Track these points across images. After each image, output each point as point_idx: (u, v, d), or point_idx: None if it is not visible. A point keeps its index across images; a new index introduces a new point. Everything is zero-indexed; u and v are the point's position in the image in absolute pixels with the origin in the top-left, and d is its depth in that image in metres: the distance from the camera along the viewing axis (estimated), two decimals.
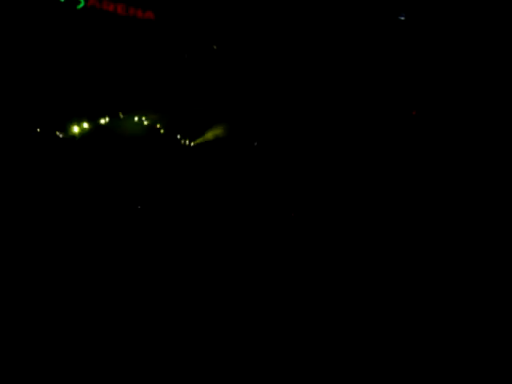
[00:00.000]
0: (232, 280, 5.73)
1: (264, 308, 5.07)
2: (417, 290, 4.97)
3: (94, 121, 8.75)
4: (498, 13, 8.56)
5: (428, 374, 4.07)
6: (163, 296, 5.18)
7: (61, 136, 7.77)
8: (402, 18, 9.11)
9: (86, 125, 8.14)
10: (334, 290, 5.42)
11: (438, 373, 4.06)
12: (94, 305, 4.98)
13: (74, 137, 7.81)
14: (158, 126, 9.85)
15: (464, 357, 4.13)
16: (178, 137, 8.83)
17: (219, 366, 4.36)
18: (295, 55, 9.76)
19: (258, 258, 6.32)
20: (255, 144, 8.73)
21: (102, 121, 9.62)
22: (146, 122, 9.11)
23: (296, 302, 5.24)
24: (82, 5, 7.49)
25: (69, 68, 7.87)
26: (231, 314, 4.99)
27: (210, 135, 8.59)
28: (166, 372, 4.32)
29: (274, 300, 5.25)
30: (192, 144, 8.73)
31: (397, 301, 4.85)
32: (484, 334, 4.26)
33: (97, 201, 6.85)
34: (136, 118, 10.00)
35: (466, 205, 9.34)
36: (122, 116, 9.26)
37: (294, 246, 7.06)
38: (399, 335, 4.45)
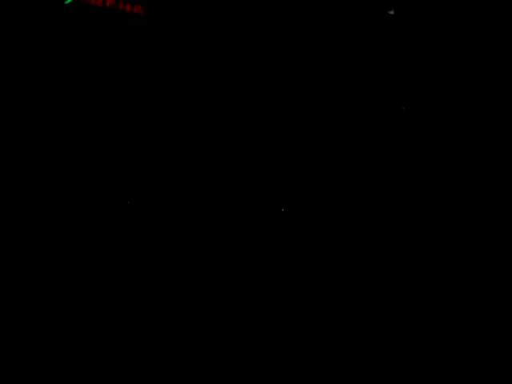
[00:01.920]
0: (228, 279, 5.74)
1: (261, 308, 5.08)
2: (415, 290, 5.01)
3: (86, 119, 8.64)
4: (488, 8, 8.62)
5: (428, 374, 4.12)
6: (160, 296, 5.18)
7: (53, 134, 7.70)
8: (392, 13, 9.13)
9: (79, 123, 8.04)
10: (331, 290, 5.45)
11: (438, 373, 4.11)
12: (91, 306, 4.96)
13: (67, 135, 7.72)
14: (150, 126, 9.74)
15: (464, 357, 4.19)
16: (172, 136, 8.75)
17: (218, 365, 4.38)
18: (286, 48, 9.72)
19: (253, 255, 6.34)
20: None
21: (96, 118, 9.53)
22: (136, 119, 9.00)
23: (293, 302, 5.26)
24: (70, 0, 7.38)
25: (58, 64, 7.76)
26: (228, 313, 5.01)
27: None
28: (165, 372, 4.32)
29: (271, 300, 5.27)
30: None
31: (396, 301, 4.90)
32: (484, 334, 4.32)
33: (92, 199, 6.82)
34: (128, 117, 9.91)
35: (457, 201, 9.45)
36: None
37: (289, 243, 7.08)
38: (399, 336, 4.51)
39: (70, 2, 7.51)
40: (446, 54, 8.60)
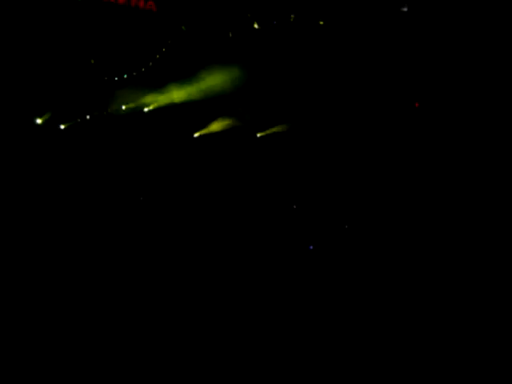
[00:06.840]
0: (232, 275, 5.69)
1: (263, 305, 5.02)
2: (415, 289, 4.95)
3: (96, 112, 8.71)
4: (499, 6, 8.55)
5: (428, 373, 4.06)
6: (164, 293, 5.13)
7: (62, 128, 7.73)
8: (405, 10, 9.07)
9: (88, 116, 8.12)
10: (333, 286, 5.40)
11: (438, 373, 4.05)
12: (94, 303, 4.91)
13: (75, 130, 7.77)
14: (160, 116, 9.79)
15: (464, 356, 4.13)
16: (181, 128, 8.82)
17: (219, 365, 4.33)
18: (299, 47, 9.72)
19: (259, 251, 6.29)
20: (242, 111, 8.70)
21: (104, 112, 9.57)
22: (146, 111, 9.08)
23: (295, 299, 5.20)
24: None
25: (71, 60, 7.82)
26: (231, 311, 4.95)
27: (214, 127, 8.58)
28: (166, 372, 4.27)
29: (274, 297, 5.21)
30: (196, 135, 8.72)
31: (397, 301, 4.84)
32: (484, 333, 4.26)
33: (98, 194, 6.80)
34: (137, 109, 9.93)
35: (466, 197, 9.36)
36: (124, 107, 9.22)
37: (295, 239, 7.01)
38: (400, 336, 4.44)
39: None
40: (458, 51, 8.51)
